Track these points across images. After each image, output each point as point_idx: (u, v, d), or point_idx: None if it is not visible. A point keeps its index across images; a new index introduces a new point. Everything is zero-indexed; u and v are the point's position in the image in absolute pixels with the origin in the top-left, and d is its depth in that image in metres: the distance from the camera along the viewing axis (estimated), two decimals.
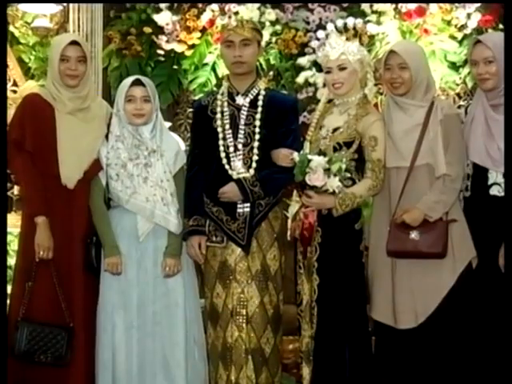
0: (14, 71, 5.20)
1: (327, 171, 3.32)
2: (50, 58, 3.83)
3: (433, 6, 4.67)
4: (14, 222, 4.79)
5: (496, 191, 3.33)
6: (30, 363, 3.56)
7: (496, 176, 3.33)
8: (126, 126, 3.67)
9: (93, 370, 3.63)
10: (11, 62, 5.20)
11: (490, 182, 3.35)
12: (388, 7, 4.74)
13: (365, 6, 4.78)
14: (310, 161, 3.33)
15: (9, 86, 5.18)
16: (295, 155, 3.42)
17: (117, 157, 3.65)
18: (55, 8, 5.00)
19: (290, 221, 3.61)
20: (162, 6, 4.93)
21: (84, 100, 3.78)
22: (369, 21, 4.74)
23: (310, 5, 4.82)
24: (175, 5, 4.94)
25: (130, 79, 3.74)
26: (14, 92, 5.14)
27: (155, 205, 3.60)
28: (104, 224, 3.66)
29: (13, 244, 4.90)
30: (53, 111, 3.71)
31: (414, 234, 3.28)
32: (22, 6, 5.02)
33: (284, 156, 3.55)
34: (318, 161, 3.33)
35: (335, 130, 3.50)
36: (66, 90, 3.72)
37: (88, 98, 3.82)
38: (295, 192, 3.58)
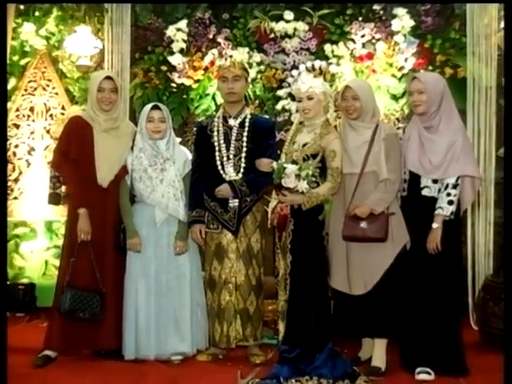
0: (62, 98, 5.19)
1: (298, 176, 3.33)
2: (89, 88, 3.82)
3: (379, 52, 4.66)
4: (61, 212, 4.80)
5: (426, 192, 3.35)
6: (72, 319, 3.55)
7: (426, 181, 3.35)
8: (147, 140, 3.67)
9: (121, 325, 3.64)
10: (60, 91, 5.19)
11: (421, 186, 3.36)
12: (345, 52, 4.73)
13: (328, 52, 4.77)
14: (285, 168, 3.35)
15: (58, 110, 5.18)
16: (274, 164, 3.42)
17: (140, 163, 3.66)
18: (94, 50, 4.98)
19: (269, 213, 3.61)
20: (175, 49, 4.90)
21: (115, 121, 3.78)
22: (331, 63, 4.73)
23: (286, 50, 4.81)
24: (185, 49, 4.92)
25: (150, 105, 3.77)
26: (62, 114, 5.12)
27: (169, 200, 3.62)
28: (128, 215, 3.67)
29: (61, 229, 4.92)
30: (91, 129, 3.71)
31: (363, 224, 3.28)
32: (69, 49, 5.00)
33: (265, 164, 3.56)
34: (291, 168, 3.34)
35: (304, 144, 3.49)
36: (102, 114, 3.72)
37: (118, 119, 3.82)
38: (274, 191, 3.57)
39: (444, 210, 3.26)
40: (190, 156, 3.89)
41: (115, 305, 3.64)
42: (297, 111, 3.91)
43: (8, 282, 5.01)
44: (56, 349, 3.66)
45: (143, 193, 3.63)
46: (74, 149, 3.70)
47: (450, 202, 3.26)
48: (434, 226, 3.28)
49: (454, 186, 3.27)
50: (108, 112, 3.74)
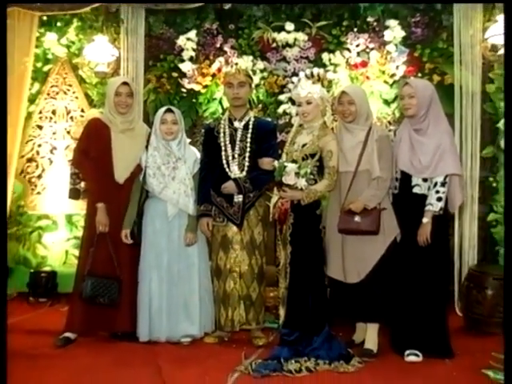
0: (81, 102, 5.19)
1: (297, 174, 3.34)
2: (107, 93, 3.81)
3: (372, 60, 4.65)
4: (81, 206, 4.81)
5: (417, 190, 3.34)
6: (92, 305, 3.57)
7: (417, 180, 3.34)
8: (161, 140, 3.68)
9: (135, 310, 3.65)
10: (80, 95, 5.19)
11: (412, 184, 3.35)
12: (341, 61, 4.72)
13: (325, 60, 4.75)
14: (285, 167, 3.35)
15: (78, 112, 5.18)
16: (275, 162, 3.43)
17: (154, 161, 3.65)
18: (111, 58, 4.96)
19: (271, 208, 3.61)
20: (185, 57, 4.90)
21: (131, 123, 3.79)
22: (328, 70, 4.72)
23: (287, 58, 4.80)
24: (194, 57, 4.92)
25: (164, 108, 3.76)
26: (82, 116, 5.12)
27: (179, 196, 3.62)
28: (132, 208, 3.67)
29: (80, 221, 4.93)
30: (109, 130, 3.72)
31: (357, 218, 3.27)
32: (88, 57, 4.99)
33: (267, 163, 3.56)
34: (291, 167, 3.35)
35: (303, 145, 3.49)
36: (119, 116, 3.73)
37: (133, 121, 3.84)
38: (275, 188, 3.57)
39: (433, 206, 3.26)
40: (199, 155, 3.88)
41: (130, 291, 3.65)
42: (297, 114, 3.90)
43: (31, 270, 5.05)
44: (76, 331, 3.68)
45: (156, 188, 3.62)
46: (93, 148, 3.71)
47: (439, 199, 3.26)
48: (424, 220, 3.28)
49: (442, 184, 3.27)
50: (124, 115, 3.74)
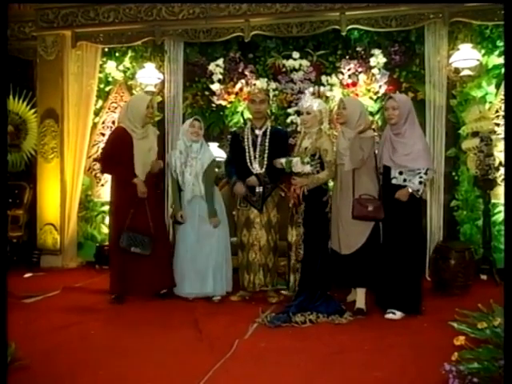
0: None
1: (303, 162, 3.33)
2: (138, 107, 3.65)
3: (360, 81, 4.62)
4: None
5: (394, 181, 3.25)
6: (127, 254, 3.57)
7: (394, 173, 3.25)
8: (187, 143, 3.67)
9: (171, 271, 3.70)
10: None
11: (391, 176, 3.27)
12: (336, 81, 4.70)
13: (324, 81, 4.73)
14: (291, 161, 3.37)
15: None
16: (282, 160, 3.42)
17: (180, 161, 3.66)
18: (157, 80, 4.97)
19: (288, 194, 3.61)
20: (215, 79, 4.91)
21: (146, 130, 3.72)
22: (326, 89, 4.70)
23: (294, 80, 4.78)
24: (222, 79, 4.91)
25: (193, 118, 3.77)
26: None
27: (194, 184, 3.62)
28: (174, 196, 3.72)
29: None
30: (131, 137, 3.64)
31: (370, 208, 3.21)
32: (140, 80, 5.00)
33: (279, 163, 3.51)
34: (295, 159, 3.37)
35: (306, 148, 3.45)
36: (140, 126, 3.65)
37: (148, 128, 3.76)
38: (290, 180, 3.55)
39: (414, 185, 3.16)
40: (214, 154, 3.90)
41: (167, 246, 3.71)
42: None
43: (97, 244, 5.08)
44: (118, 292, 3.66)
45: (179, 179, 3.65)
46: (118, 151, 3.63)
47: (420, 182, 3.17)
48: (408, 189, 3.17)
49: (425, 173, 3.18)
50: (147, 124, 3.69)
